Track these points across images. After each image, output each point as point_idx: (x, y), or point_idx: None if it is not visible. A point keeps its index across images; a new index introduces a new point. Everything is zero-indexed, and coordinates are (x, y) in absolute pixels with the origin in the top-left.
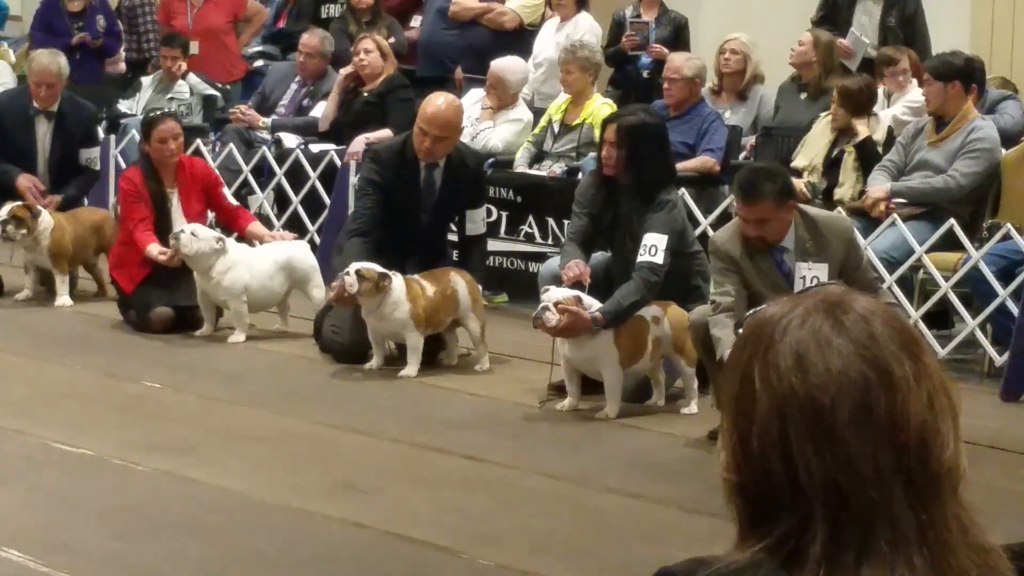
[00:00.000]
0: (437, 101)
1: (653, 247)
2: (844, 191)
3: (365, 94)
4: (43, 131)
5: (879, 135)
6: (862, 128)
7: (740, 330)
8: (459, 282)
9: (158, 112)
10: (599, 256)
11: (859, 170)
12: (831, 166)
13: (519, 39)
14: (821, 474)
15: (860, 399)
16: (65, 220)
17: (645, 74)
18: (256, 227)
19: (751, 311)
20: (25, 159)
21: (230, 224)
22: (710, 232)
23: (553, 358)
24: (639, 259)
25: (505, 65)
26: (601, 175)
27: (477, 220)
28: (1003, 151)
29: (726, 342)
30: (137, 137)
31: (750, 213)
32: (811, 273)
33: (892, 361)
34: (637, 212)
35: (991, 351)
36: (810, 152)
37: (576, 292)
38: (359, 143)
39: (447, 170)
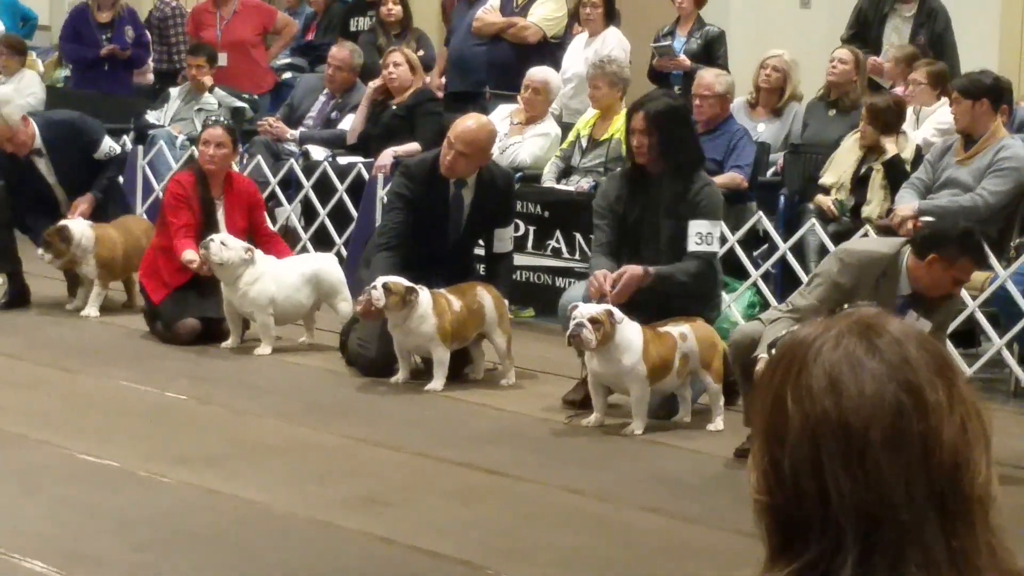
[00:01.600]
0: (468, 121)
1: (708, 235)
2: (872, 209)
3: (394, 107)
4: (43, 165)
5: (907, 153)
6: (890, 146)
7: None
8: (485, 296)
9: (213, 119)
10: None
11: (887, 188)
12: (859, 184)
13: (543, 52)
14: (853, 498)
15: (893, 423)
16: (115, 232)
17: (676, 89)
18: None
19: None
20: (40, 201)
21: (264, 249)
22: (738, 249)
23: (582, 372)
24: (693, 247)
25: (548, 73)
26: (626, 172)
27: (505, 238)
28: None
29: (769, 340)
30: (165, 148)
31: (966, 275)
32: (918, 326)
33: (926, 385)
34: (676, 197)
35: (1018, 371)
36: (838, 169)
37: (606, 305)
38: (387, 156)
39: (477, 188)
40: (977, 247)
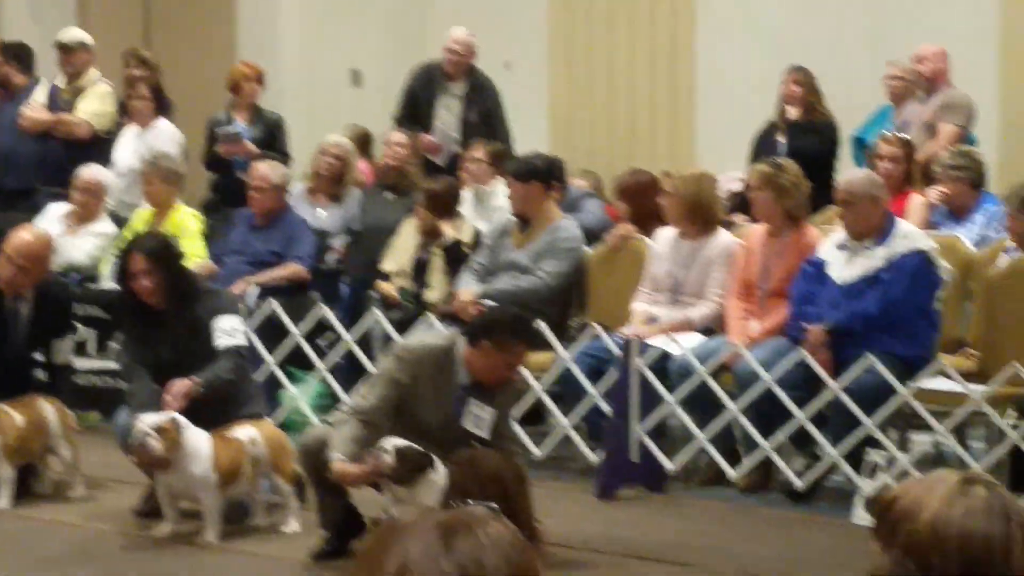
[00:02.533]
0: (24, 234)
1: (232, 329)
2: (433, 294)
3: None
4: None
5: (466, 236)
6: (448, 230)
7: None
8: (48, 409)
9: None
10: None
11: (448, 272)
12: (420, 269)
13: (95, 147)
14: None
15: None
16: None
17: (240, 175)
18: None
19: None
20: None
21: None
22: (303, 343)
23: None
24: (221, 343)
25: (98, 172)
26: (132, 319)
27: (64, 349)
28: (587, 249)
29: (339, 443)
30: None
31: (518, 359)
32: (481, 414)
33: None
34: (195, 320)
35: (585, 450)
36: (398, 255)
37: (170, 414)
38: None
39: (35, 300)
40: (527, 330)
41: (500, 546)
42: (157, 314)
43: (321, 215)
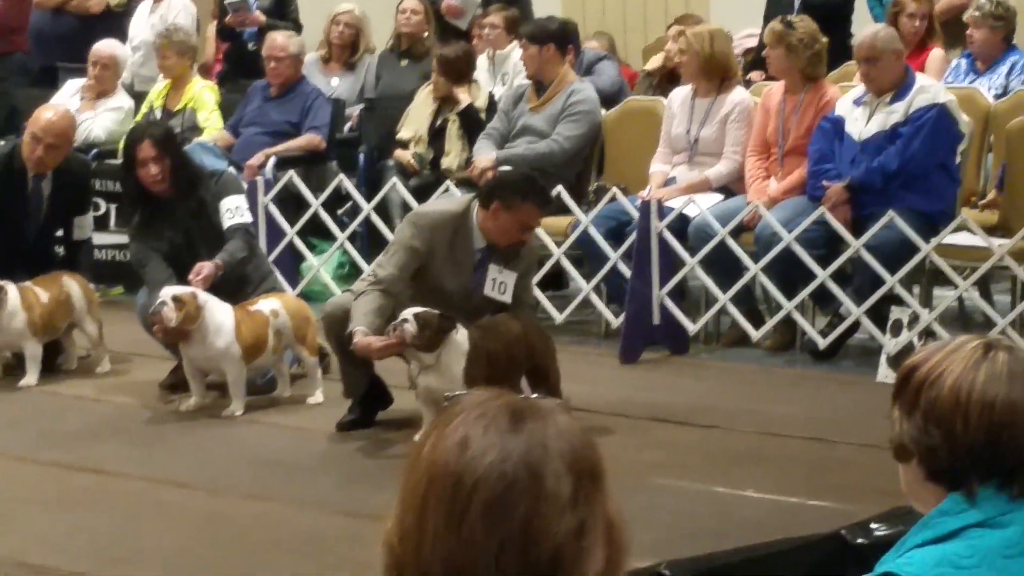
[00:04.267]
0: (47, 113)
1: (237, 208)
2: (451, 160)
3: None
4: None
5: (481, 102)
6: (463, 96)
7: None
8: (72, 285)
9: None
10: None
11: (464, 138)
12: (436, 136)
13: (109, 22)
14: (443, 550)
15: (501, 493)
16: None
17: (251, 46)
18: None
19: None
20: None
21: None
22: (322, 212)
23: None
24: (228, 223)
25: (114, 46)
26: (142, 211)
27: (84, 225)
28: (603, 112)
29: (359, 316)
30: None
31: (530, 219)
32: (500, 278)
33: (549, 474)
34: (200, 205)
35: (607, 313)
36: (414, 123)
37: (192, 288)
38: None
39: (55, 178)
40: (535, 190)
41: (566, 434)
42: (163, 201)
43: (335, 85)
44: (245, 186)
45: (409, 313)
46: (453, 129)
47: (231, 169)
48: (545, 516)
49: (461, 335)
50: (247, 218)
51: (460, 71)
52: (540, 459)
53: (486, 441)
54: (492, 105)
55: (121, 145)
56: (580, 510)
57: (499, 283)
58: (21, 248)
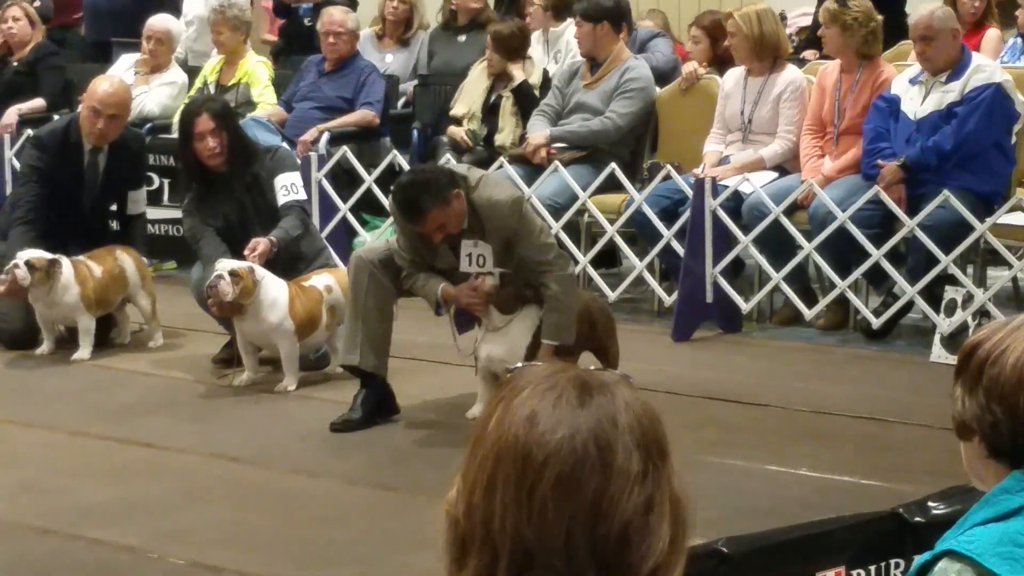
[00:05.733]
0: (104, 84)
1: (292, 185)
2: (504, 137)
3: (14, 63)
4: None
5: (535, 78)
6: (517, 72)
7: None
8: (126, 260)
9: None
10: None
11: (518, 115)
12: (490, 112)
13: None
14: (512, 526)
15: (572, 469)
16: None
17: (307, 22)
18: None
19: None
20: None
21: None
22: (375, 188)
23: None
24: (283, 200)
25: (168, 21)
26: (197, 185)
27: (138, 200)
28: (657, 89)
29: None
30: None
31: (425, 227)
32: (476, 251)
33: (620, 449)
34: (254, 181)
35: (660, 291)
36: (468, 99)
37: (249, 263)
38: (11, 115)
39: (110, 153)
40: (403, 207)
41: (633, 408)
42: (219, 176)
43: (388, 61)
44: (299, 162)
45: (496, 270)
46: (507, 106)
47: (285, 145)
48: (615, 492)
49: (533, 308)
50: (302, 195)
51: (514, 47)
52: (610, 434)
53: (555, 416)
54: (546, 82)
55: (176, 119)
56: (648, 485)
57: (476, 256)
58: (76, 222)
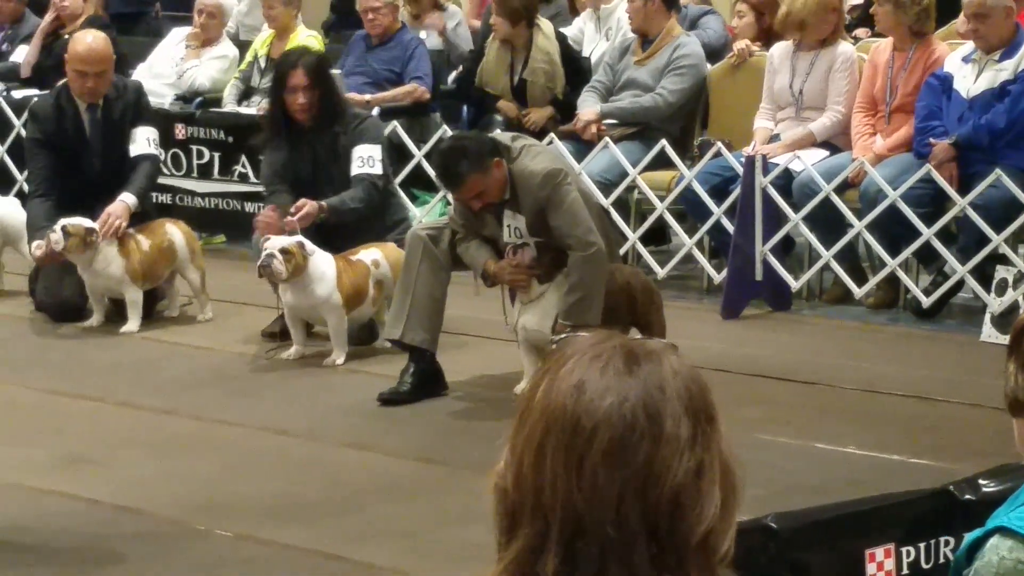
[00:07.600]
0: (87, 38)
1: (369, 158)
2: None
3: (67, 36)
4: None
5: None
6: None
7: None
8: (176, 233)
9: None
10: None
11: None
12: (518, 92)
13: None
14: (563, 494)
15: (621, 436)
16: None
17: None
18: None
19: None
20: None
21: None
22: (425, 164)
23: (279, 305)
24: (357, 171)
25: None
26: (281, 134)
27: (140, 139)
28: (708, 66)
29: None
30: None
31: (463, 194)
32: (513, 222)
33: (669, 416)
34: (333, 140)
35: (709, 269)
36: (495, 81)
37: (298, 237)
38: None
39: (105, 107)
40: (441, 175)
41: (681, 375)
42: (303, 132)
43: (424, 37)
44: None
45: (532, 239)
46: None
47: (375, 112)
48: (665, 458)
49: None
50: (377, 170)
51: (518, 9)
52: (658, 401)
53: (603, 384)
54: (567, 49)
55: (225, 93)
56: (698, 451)
57: (513, 228)
58: (95, 179)
